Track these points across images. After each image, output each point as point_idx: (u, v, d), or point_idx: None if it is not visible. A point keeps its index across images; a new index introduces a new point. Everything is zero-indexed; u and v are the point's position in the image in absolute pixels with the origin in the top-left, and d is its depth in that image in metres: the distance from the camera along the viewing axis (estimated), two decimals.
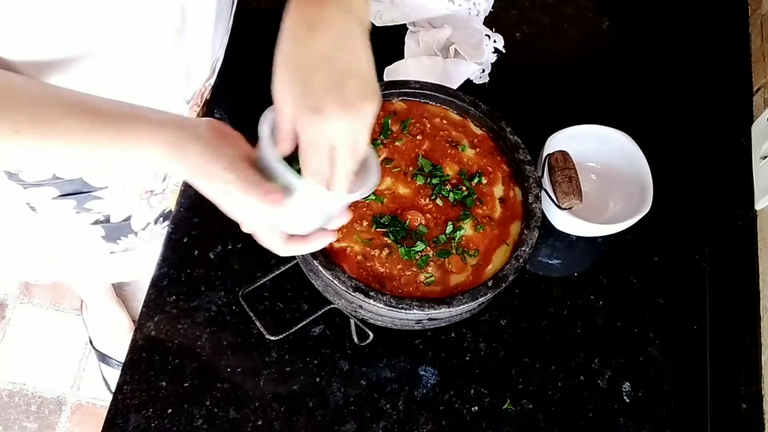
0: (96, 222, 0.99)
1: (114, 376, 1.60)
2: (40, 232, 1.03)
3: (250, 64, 1.03)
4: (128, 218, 1.01)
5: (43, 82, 0.65)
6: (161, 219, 1.08)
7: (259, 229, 0.63)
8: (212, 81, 0.96)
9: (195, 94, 0.92)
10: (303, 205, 0.60)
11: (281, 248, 0.64)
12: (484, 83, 1.06)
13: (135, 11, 0.70)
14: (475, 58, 1.05)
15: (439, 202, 0.83)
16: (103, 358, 1.64)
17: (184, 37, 0.80)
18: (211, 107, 0.98)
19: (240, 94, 1.00)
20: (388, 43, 1.07)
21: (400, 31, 1.07)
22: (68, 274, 1.32)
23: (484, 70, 1.07)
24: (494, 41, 1.09)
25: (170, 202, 1.06)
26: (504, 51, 1.09)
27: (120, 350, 1.62)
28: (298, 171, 0.58)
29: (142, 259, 1.14)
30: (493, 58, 1.08)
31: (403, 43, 1.07)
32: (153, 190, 1.00)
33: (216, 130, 0.59)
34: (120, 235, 1.05)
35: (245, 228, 0.64)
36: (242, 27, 0.97)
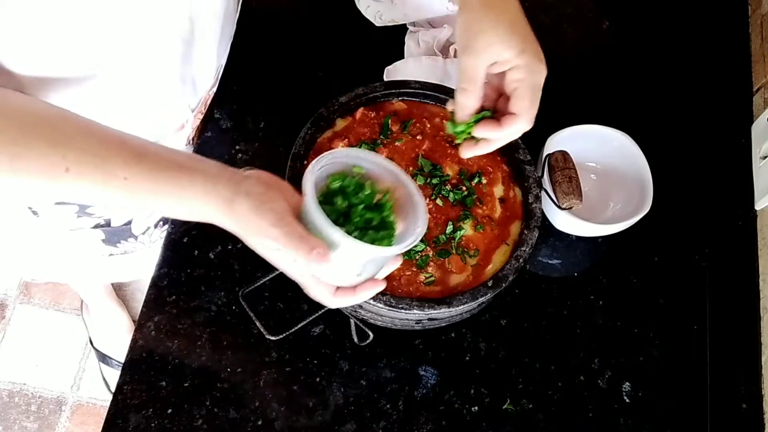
0: (97, 226, 0.99)
1: (114, 376, 1.60)
2: (40, 234, 1.04)
3: (251, 65, 1.04)
4: (129, 222, 1.02)
5: (67, 111, 0.64)
6: (161, 223, 1.08)
7: (309, 281, 0.64)
8: (215, 88, 0.96)
9: (200, 102, 0.92)
10: (347, 259, 0.60)
11: (330, 300, 0.65)
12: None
13: (145, 24, 0.70)
14: None
15: (439, 202, 0.83)
16: (103, 358, 1.64)
17: (192, 49, 0.80)
18: (211, 109, 0.98)
19: (241, 96, 1.00)
20: (388, 43, 1.07)
21: (400, 31, 1.07)
22: (66, 274, 1.32)
23: None
24: None
25: None
26: None
27: (120, 350, 1.62)
28: (342, 227, 0.60)
29: (142, 261, 1.14)
30: None
31: (403, 43, 1.07)
32: None
33: (265, 183, 0.60)
34: (120, 239, 1.05)
35: (295, 279, 0.64)
36: (243, 28, 0.97)
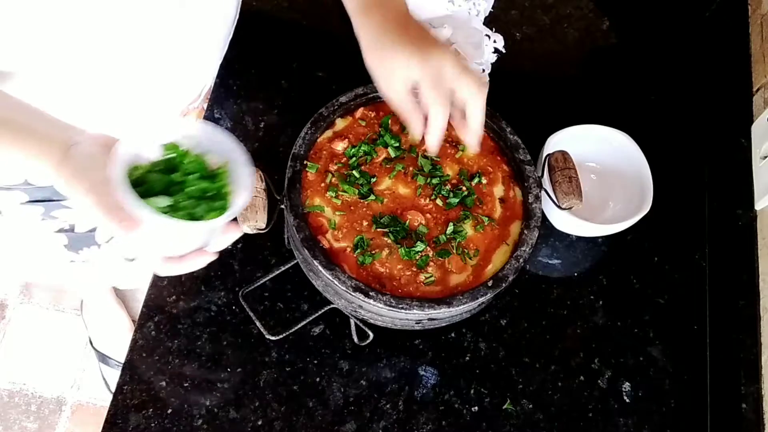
0: (60, 230, 0.99)
1: (114, 376, 1.60)
2: (3, 235, 1.04)
3: (251, 65, 1.04)
4: (93, 230, 1.02)
5: None
6: None
7: (135, 249, 0.64)
8: (209, 84, 0.97)
9: (196, 98, 0.92)
10: (159, 232, 0.60)
11: (159, 267, 0.65)
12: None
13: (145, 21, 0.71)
14: (475, 58, 1.05)
15: (439, 202, 0.83)
16: (103, 358, 1.64)
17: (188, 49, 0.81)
18: (211, 107, 0.98)
19: (241, 96, 1.00)
20: None
21: None
22: (33, 276, 1.32)
23: (484, 70, 1.07)
24: (494, 41, 1.09)
25: None
26: (504, 51, 1.09)
27: (120, 350, 1.62)
28: (175, 196, 0.60)
29: (103, 273, 1.15)
30: (493, 58, 1.08)
31: None
32: None
33: (100, 145, 0.60)
34: (83, 245, 1.05)
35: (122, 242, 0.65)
36: (243, 28, 0.97)
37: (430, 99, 0.71)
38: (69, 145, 0.60)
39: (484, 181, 0.85)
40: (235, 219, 0.62)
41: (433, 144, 0.74)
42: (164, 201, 0.59)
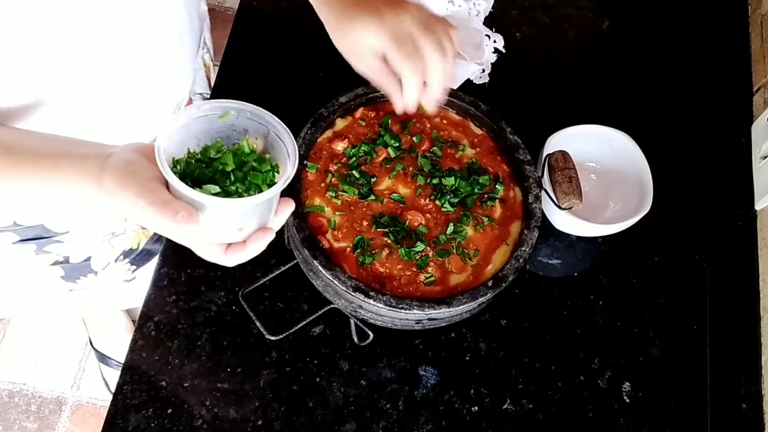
0: (55, 263, 0.99)
1: (114, 376, 1.60)
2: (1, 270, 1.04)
3: (252, 65, 1.04)
4: (88, 259, 1.01)
5: None
6: (122, 257, 1.07)
7: (194, 245, 0.63)
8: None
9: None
10: (219, 217, 0.59)
11: (223, 259, 0.64)
12: (484, 83, 1.06)
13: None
14: (476, 58, 1.05)
15: (438, 202, 0.83)
16: (103, 358, 1.64)
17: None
18: None
19: (241, 96, 1.00)
20: None
21: None
22: (33, 307, 1.31)
23: (484, 70, 1.07)
24: (494, 41, 1.09)
25: (132, 241, 1.05)
26: (504, 51, 1.09)
27: (120, 350, 1.62)
28: (226, 182, 0.59)
29: (106, 294, 1.15)
30: (493, 58, 1.08)
31: None
32: (114, 232, 1.00)
33: (134, 151, 0.59)
34: (79, 275, 1.05)
35: (183, 243, 0.63)
36: (243, 28, 0.97)
37: (396, 63, 0.69)
38: (105, 157, 0.59)
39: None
40: (284, 193, 0.61)
41: (410, 105, 0.72)
42: (214, 188, 0.58)
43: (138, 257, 1.08)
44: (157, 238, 1.08)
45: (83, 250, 0.99)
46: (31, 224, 0.89)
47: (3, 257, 0.95)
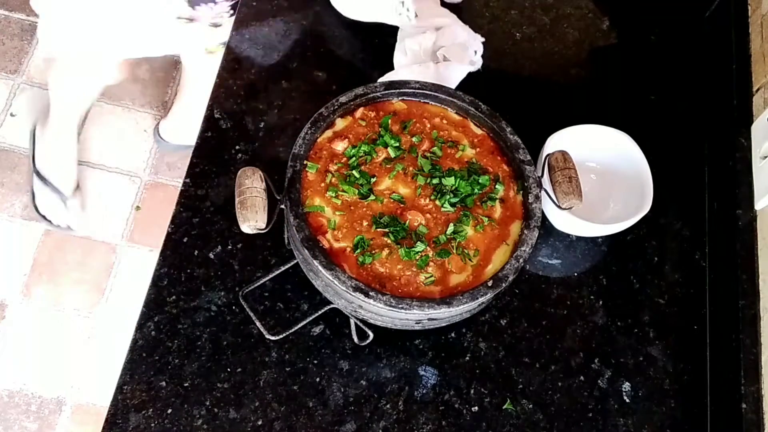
0: None
1: (44, 194, 1.64)
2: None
3: (252, 65, 1.04)
4: None
5: None
6: None
7: None
8: None
9: None
10: None
11: None
12: (478, 69, 1.06)
13: None
14: (464, 60, 1.05)
15: (438, 202, 0.83)
16: (43, 180, 1.67)
17: None
18: (211, 107, 0.98)
19: (241, 96, 1.00)
20: (388, 43, 1.07)
21: (389, 44, 1.07)
22: (141, 48, 1.36)
23: (478, 70, 1.06)
24: (478, 41, 1.08)
25: None
26: (483, 46, 1.08)
27: (61, 179, 1.64)
28: None
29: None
30: (480, 61, 1.07)
31: (392, 55, 1.06)
32: None
33: None
34: (201, 2, 1.14)
35: None
36: (243, 27, 0.97)
37: None
38: None
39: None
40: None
41: None
42: None
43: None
44: None
45: None
46: None
47: None
